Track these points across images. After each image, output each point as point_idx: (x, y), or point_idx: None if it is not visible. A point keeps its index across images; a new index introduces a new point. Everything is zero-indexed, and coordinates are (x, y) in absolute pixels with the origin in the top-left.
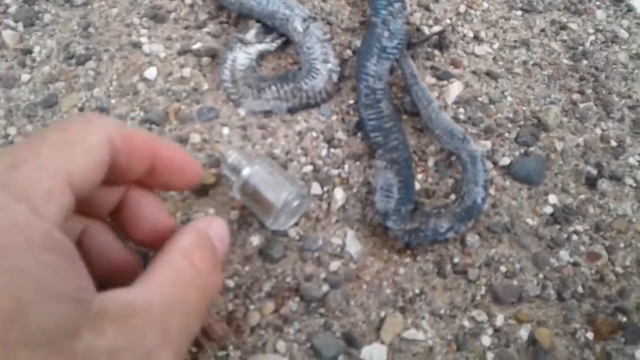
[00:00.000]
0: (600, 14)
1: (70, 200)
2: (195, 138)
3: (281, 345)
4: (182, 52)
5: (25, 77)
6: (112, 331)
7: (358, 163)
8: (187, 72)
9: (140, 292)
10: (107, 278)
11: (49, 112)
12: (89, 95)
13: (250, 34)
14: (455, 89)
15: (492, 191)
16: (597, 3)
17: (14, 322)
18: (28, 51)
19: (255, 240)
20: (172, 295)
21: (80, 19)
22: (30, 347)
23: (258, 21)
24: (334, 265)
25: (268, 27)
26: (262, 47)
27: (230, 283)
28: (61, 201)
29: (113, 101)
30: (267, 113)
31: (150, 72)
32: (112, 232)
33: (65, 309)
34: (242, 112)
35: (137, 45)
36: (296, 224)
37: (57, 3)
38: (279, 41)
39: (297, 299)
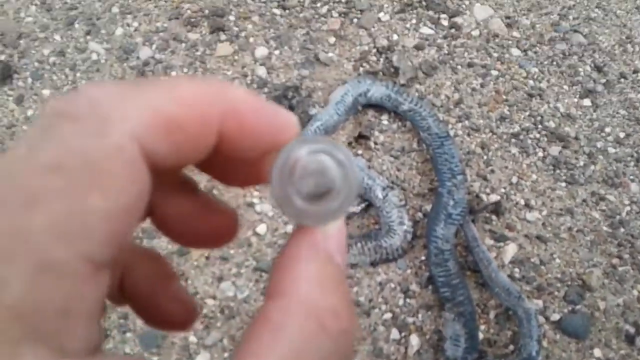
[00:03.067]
0: (634, 187)
1: (99, 291)
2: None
3: None
4: None
5: None
6: None
7: (430, 312)
8: (289, 228)
9: None
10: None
11: (182, 259)
12: None
13: None
14: (510, 250)
15: (544, 343)
16: (632, 177)
17: None
18: None
19: None
20: None
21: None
22: None
23: None
24: None
25: None
26: (349, 209)
27: None
28: (87, 314)
29: (232, 251)
30: (353, 265)
31: (261, 228)
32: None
33: None
34: None
35: (250, 205)
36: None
37: None
38: (363, 205)
39: None
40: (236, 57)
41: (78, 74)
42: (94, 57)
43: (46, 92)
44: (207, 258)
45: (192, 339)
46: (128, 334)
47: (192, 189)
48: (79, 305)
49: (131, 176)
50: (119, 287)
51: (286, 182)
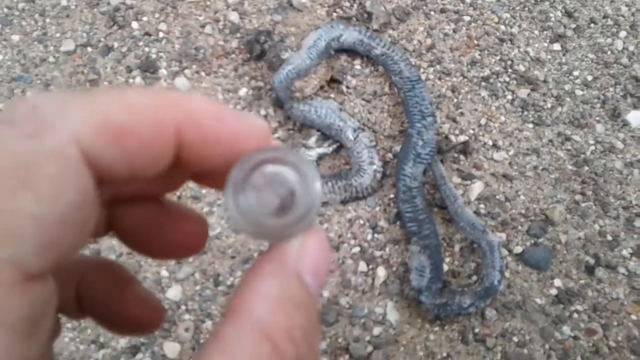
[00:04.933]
0: (599, 128)
1: (29, 300)
2: None
3: None
4: None
5: None
6: None
7: (397, 246)
8: None
9: None
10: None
11: None
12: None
13: (312, 140)
14: (477, 188)
15: (507, 274)
16: (597, 118)
17: None
18: None
19: None
20: None
21: None
22: None
23: (318, 130)
24: (377, 330)
25: (326, 135)
26: (321, 150)
27: None
28: (10, 322)
29: (204, 191)
30: (324, 204)
31: None
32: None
33: None
34: None
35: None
36: (345, 294)
37: None
38: (334, 146)
39: (347, 356)
40: (208, 2)
41: (47, 20)
42: (64, 2)
43: (15, 37)
44: (179, 198)
45: (164, 272)
46: None
47: (156, 200)
48: (0, 317)
49: (69, 181)
50: (75, 300)
51: (241, 192)
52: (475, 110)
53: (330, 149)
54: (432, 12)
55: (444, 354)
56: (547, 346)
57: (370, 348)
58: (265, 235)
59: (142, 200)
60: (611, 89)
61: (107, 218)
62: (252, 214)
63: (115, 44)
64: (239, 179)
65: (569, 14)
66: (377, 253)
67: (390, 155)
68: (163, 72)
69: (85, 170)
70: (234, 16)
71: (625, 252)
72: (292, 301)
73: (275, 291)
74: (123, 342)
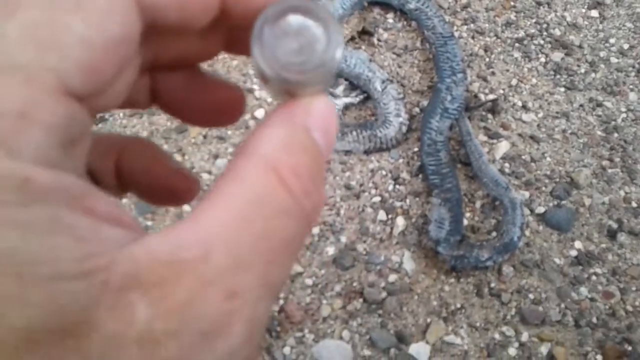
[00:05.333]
0: (632, 96)
1: (67, 111)
2: None
3: (346, 334)
4: None
5: None
6: (146, 307)
7: (418, 199)
8: None
9: (192, 235)
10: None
11: (180, 136)
12: None
13: (339, 89)
14: (503, 147)
15: (527, 233)
16: (631, 86)
17: None
18: None
19: (331, 250)
20: (246, 235)
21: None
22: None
23: (346, 80)
24: (392, 277)
25: (354, 85)
26: (347, 100)
27: (309, 281)
28: (48, 122)
29: (229, 132)
30: (347, 152)
31: (260, 113)
32: (152, 146)
33: (63, 294)
34: None
35: (250, 91)
36: (363, 240)
37: None
38: (361, 96)
39: (360, 300)
40: None
41: None
42: None
43: None
44: (205, 137)
45: (186, 208)
46: (124, 200)
47: (193, 68)
48: (39, 114)
49: (118, 14)
50: (116, 177)
51: (265, 34)
52: (507, 70)
53: (357, 99)
54: None
55: (458, 305)
56: (562, 305)
57: (384, 294)
58: (286, 82)
59: (181, 68)
60: None
61: (150, 87)
62: (272, 53)
63: None
64: (265, 21)
65: None
66: (397, 204)
67: (417, 109)
68: None
69: (134, 8)
70: None
71: None
72: (298, 144)
73: (283, 135)
74: None
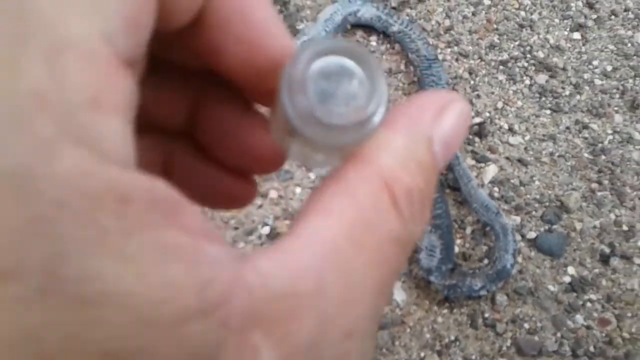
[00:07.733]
0: (618, 118)
1: (130, 85)
2: (273, 194)
3: None
4: None
5: None
6: (269, 350)
7: None
8: None
9: (305, 260)
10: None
11: None
12: None
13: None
14: (491, 171)
15: (519, 259)
16: (616, 108)
17: None
18: None
19: None
20: (358, 263)
21: None
22: None
23: None
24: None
25: None
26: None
27: None
28: (121, 106)
29: None
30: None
31: None
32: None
33: (189, 339)
34: (312, 175)
35: None
36: None
37: None
38: None
39: None
40: None
41: None
42: None
43: None
44: None
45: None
46: None
47: (246, 105)
48: (111, 98)
49: None
50: (187, 121)
51: (298, 91)
52: (492, 93)
53: None
54: None
55: (452, 338)
56: (558, 334)
57: None
58: (333, 139)
59: (232, 101)
60: (630, 81)
61: (189, 110)
62: (314, 111)
63: None
64: (297, 74)
65: (590, 5)
66: None
67: None
68: None
69: None
70: None
71: None
72: (417, 161)
73: (403, 146)
74: None
